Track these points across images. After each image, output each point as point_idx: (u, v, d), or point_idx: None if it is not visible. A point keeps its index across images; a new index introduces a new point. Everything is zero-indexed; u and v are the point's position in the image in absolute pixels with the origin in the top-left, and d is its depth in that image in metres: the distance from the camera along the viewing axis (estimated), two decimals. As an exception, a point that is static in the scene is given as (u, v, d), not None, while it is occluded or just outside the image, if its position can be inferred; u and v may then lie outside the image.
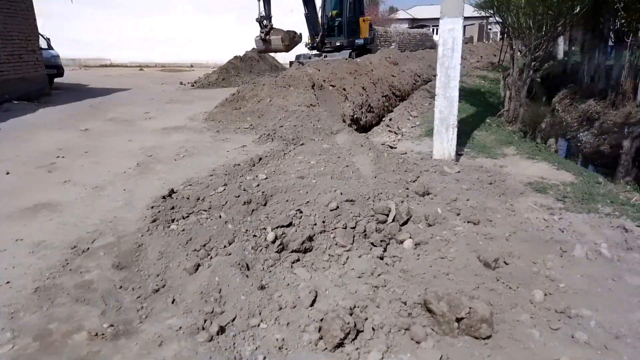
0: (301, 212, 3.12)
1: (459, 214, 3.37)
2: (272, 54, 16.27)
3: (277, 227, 2.99)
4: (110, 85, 14.18)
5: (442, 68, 4.40)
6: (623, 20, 9.08)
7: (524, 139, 6.71)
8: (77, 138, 7.01)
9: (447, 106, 4.49)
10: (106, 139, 6.96)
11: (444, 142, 4.60)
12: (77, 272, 2.80)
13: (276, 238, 2.92)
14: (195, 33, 20.78)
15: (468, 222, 3.28)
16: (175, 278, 2.65)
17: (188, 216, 3.50)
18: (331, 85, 8.77)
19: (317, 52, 15.57)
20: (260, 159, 4.58)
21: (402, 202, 3.44)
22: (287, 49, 13.96)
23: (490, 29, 65.34)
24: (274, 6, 19.25)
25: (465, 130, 6.32)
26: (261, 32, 13.77)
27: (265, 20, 13.79)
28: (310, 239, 2.92)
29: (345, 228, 3.04)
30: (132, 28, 21.34)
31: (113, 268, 2.83)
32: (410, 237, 3.12)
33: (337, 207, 3.17)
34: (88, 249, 3.11)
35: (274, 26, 13.74)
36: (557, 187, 4.20)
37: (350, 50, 14.89)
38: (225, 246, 2.83)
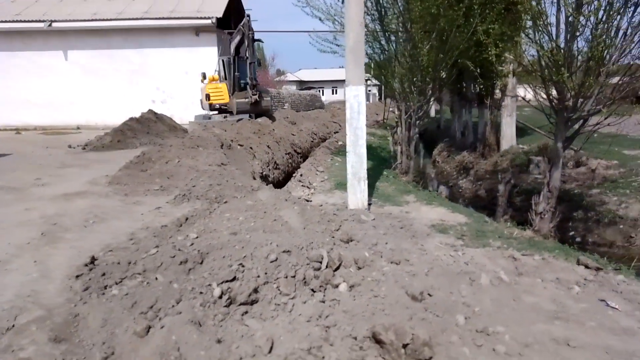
0: (243, 265, 3.27)
1: (382, 256, 3.77)
2: (168, 116, 16.14)
3: (222, 283, 3.10)
4: (-15, 151, 12.84)
5: (350, 128, 4.96)
6: (482, 86, 10.85)
7: (418, 187, 7.57)
8: (-40, 210, 6.29)
9: (357, 161, 5.02)
10: (-3, 209, 6.35)
11: (357, 194, 5.09)
12: (8, 351, 2.61)
13: (222, 293, 3.02)
14: (81, 94, 19.85)
15: (391, 262, 3.69)
16: (125, 344, 2.61)
17: (121, 281, 3.42)
18: (239, 145, 9.06)
19: (216, 113, 15.85)
20: (187, 218, 4.62)
21: (332, 249, 3.76)
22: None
23: (369, 91, 71.83)
24: (171, 70, 19.41)
25: (369, 183, 6.97)
26: (253, 94, 14.71)
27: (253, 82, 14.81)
28: (255, 290, 3.07)
29: (287, 277, 3.25)
30: (3, 89, 19.74)
31: (50, 342, 2.68)
32: (344, 281, 3.42)
33: (277, 258, 3.38)
34: (13, 325, 2.90)
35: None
36: (455, 228, 4.86)
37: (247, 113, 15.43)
38: (173, 305, 2.86)
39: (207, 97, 15.01)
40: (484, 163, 10.82)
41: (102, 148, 13.25)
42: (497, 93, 11.80)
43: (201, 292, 3.01)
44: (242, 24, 15.17)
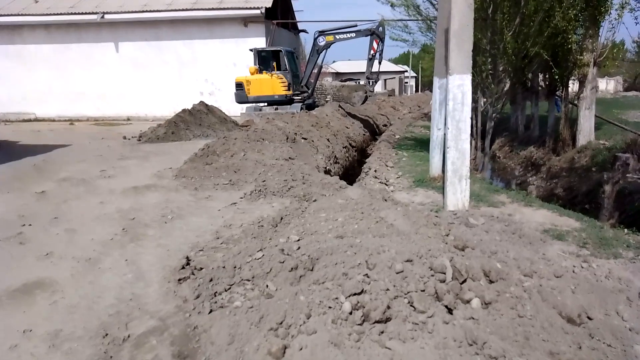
0: (368, 276, 2.93)
1: (517, 268, 3.35)
2: (218, 107, 16.02)
3: (350, 295, 2.76)
4: (45, 142, 13.05)
5: (452, 121, 4.53)
6: (556, 76, 10.12)
7: (501, 186, 7.05)
8: (36, 202, 6.25)
9: (459, 158, 4.59)
10: (71, 202, 6.28)
11: (458, 193, 4.67)
12: (132, 369, 2.36)
13: (353, 308, 2.69)
14: (131, 86, 20.06)
15: (524, 275, 3.27)
16: (259, 365, 2.31)
17: (230, 288, 3.15)
18: (303, 138, 8.75)
19: (265, 105, 15.64)
20: (282, 218, 4.32)
21: (452, 258, 3.37)
22: None
23: (406, 82, 70.43)
24: (219, 61, 19.32)
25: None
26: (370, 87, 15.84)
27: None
28: (388, 306, 2.72)
29: (418, 291, 2.88)
30: (59, 81, 20.18)
31: (174, 358, 2.42)
32: (476, 297, 3.02)
33: (403, 269, 3.01)
34: (129, 336, 2.66)
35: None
36: (571, 234, 4.37)
37: (301, 103, 15.13)
38: (304, 322, 2.54)
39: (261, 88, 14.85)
40: (558, 159, 10.11)
41: (157, 140, 13.25)
42: (571, 84, 11.02)
43: (330, 307, 2.68)
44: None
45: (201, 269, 3.74)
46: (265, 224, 4.21)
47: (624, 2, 8.92)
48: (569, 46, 9.30)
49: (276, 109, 14.83)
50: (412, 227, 3.86)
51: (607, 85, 47.04)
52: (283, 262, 3.27)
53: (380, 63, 14.91)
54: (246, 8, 18.35)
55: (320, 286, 2.86)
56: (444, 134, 6.32)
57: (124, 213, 5.70)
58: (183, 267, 3.70)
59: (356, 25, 14.99)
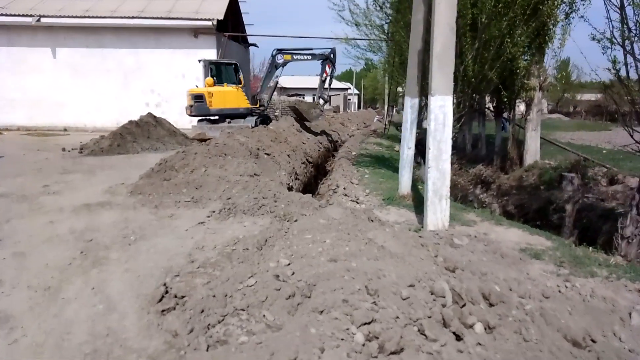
0: (376, 304, 2.80)
1: (510, 289, 3.36)
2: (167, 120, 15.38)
3: (361, 325, 2.62)
4: (-29, 153, 11.86)
5: (434, 141, 4.55)
6: (505, 99, 10.67)
7: (465, 204, 7.21)
8: (-29, 222, 5.57)
9: (439, 178, 4.62)
10: (15, 221, 5.66)
11: (438, 213, 4.68)
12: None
13: (366, 339, 2.54)
14: (69, 95, 18.84)
15: (520, 297, 3.28)
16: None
17: (223, 319, 2.90)
18: (266, 154, 8.54)
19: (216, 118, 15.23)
20: (266, 240, 4.09)
21: (449, 280, 3.32)
22: None
23: (349, 99, 71.89)
24: (167, 72, 18.64)
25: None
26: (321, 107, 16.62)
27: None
28: (401, 336, 2.60)
29: (426, 318, 2.79)
30: (-14, 87, 18.60)
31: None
32: (479, 321, 2.98)
33: (409, 295, 2.92)
34: (117, 382, 2.34)
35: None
36: (547, 253, 4.50)
37: (256, 117, 14.89)
38: (319, 357, 2.36)
39: (209, 100, 14.40)
40: (506, 178, 10.60)
41: (101, 152, 12.45)
42: (517, 106, 11.66)
43: (342, 339, 2.52)
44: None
45: (183, 297, 3.44)
46: (250, 246, 3.97)
47: (565, 32, 9.58)
48: (518, 71, 9.83)
49: (229, 122, 14.49)
50: (403, 248, 3.79)
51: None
52: (279, 290, 3.07)
53: (330, 85, 16.21)
54: (197, 19, 17.93)
55: (326, 316, 2.70)
56: (414, 154, 6.40)
57: (79, 234, 5.20)
58: (162, 297, 3.38)
59: (312, 49, 16.00)
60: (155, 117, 14.86)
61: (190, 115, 14.69)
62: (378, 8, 11.09)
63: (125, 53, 18.62)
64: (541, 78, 9.97)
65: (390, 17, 14.06)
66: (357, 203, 6.35)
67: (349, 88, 76.22)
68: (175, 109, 18.52)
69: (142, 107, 18.38)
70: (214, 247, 4.66)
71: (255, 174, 7.30)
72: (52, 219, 5.74)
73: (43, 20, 17.79)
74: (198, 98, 14.36)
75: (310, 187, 11.51)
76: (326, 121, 23.30)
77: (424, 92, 6.87)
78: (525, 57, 10.07)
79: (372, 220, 4.33)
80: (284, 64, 15.65)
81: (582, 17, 9.22)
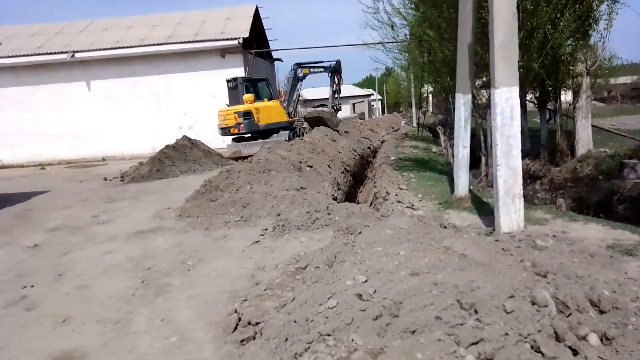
0: (481, 321, 2.52)
1: (623, 294, 3.02)
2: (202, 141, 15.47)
3: (469, 346, 2.35)
4: (20, 189, 12.17)
5: (502, 137, 4.25)
6: (550, 88, 10.18)
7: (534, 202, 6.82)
8: (32, 258, 5.59)
9: (511, 176, 4.30)
10: (72, 254, 5.65)
11: (512, 214, 4.35)
12: None
13: (477, 361, 2.28)
14: (105, 124, 19.31)
15: (631, 300, 2.94)
16: None
17: (309, 346, 2.68)
18: (308, 166, 8.37)
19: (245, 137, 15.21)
20: (335, 256, 3.87)
21: (547, 288, 3.01)
22: None
23: (373, 105, 71.54)
24: (197, 94, 18.87)
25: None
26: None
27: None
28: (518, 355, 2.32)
29: (538, 332, 2.50)
30: (28, 124, 19.24)
31: None
32: (592, 331, 2.66)
33: (514, 308, 2.63)
34: None
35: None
36: (638, 248, 4.11)
37: (288, 131, 14.80)
38: (432, 386, 2.11)
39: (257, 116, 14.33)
40: (558, 170, 10.07)
41: (142, 178, 12.57)
42: (563, 95, 11.14)
43: (451, 363, 2.26)
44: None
45: (257, 323, 3.25)
46: (320, 264, 3.75)
47: (611, 11, 9.08)
48: (562, 58, 9.37)
49: (265, 141, 14.42)
50: (486, 256, 3.50)
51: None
52: (364, 310, 2.84)
53: (339, 94, 18.44)
54: (223, 39, 18.11)
55: (428, 337, 2.44)
56: (469, 152, 6.08)
57: (137, 262, 5.13)
58: (237, 325, 3.19)
59: (322, 62, 17.41)
60: (190, 139, 14.98)
61: (238, 134, 14.40)
62: (411, 6, 10.82)
63: (155, 79, 18.98)
64: (588, 63, 9.47)
65: (414, 17, 13.79)
66: (413, 209, 6.07)
67: (372, 94, 75.99)
68: (207, 130, 18.69)
69: (176, 130, 18.64)
70: (275, 267, 4.48)
71: (301, 188, 7.13)
72: (108, 249, 5.71)
73: (77, 55, 18.35)
74: (246, 115, 14.09)
75: (350, 196, 11.29)
76: (356, 129, 23.10)
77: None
78: (569, 43, 9.57)
79: (445, 227, 4.05)
80: (304, 77, 16.51)
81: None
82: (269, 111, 14.68)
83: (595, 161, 9.33)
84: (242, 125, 14.03)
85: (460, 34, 5.68)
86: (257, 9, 21.55)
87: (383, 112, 76.01)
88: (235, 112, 14.09)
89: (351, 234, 4.37)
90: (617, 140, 11.22)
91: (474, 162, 9.17)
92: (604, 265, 3.71)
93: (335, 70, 17.49)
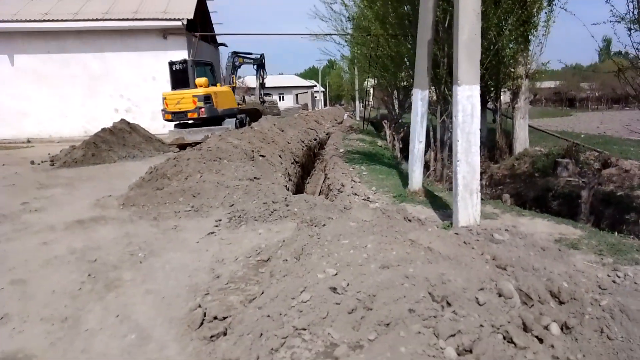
0: (456, 313, 2.56)
1: (576, 285, 3.20)
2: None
3: (448, 338, 2.38)
4: None
5: (462, 134, 4.37)
6: (492, 88, 10.68)
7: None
8: (-48, 248, 5.00)
9: (469, 171, 4.43)
10: (1, 245, 5.12)
11: (469, 208, 4.49)
12: None
13: (458, 354, 2.31)
14: (31, 104, 17.77)
15: (586, 291, 3.13)
16: None
17: (284, 341, 2.60)
18: (261, 156, 8.19)
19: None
20: (303, 247, 3.78)
21: (510, 280, 3.14)
22: None
23: (316, 97, 71.79)
24: (136, 75, 17.85)
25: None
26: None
27: None
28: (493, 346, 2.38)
29: (509, 323, 2.58)
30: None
31: None
32: (553, 321, 2.80)
33: (486, 300, 2.70)
34: None
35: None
36: (582, 242, 4.41)
37: (235, 120, 14.42)
38: (419, 381, 2.11)
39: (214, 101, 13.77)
40: (497, 167, 10.62)
41: (75, 163, 11.72)
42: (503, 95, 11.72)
43: (433, 356, 2.27)
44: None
45: (224, 318, 3.12)
46: (288, 257, 3.65)
47: (549, 19, 9.65)
48: (504, 60, 9.84)
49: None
50: (451, 249, 3.58)
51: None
52: (339, 304, 2.80)
53: (264, 87, 20.14)
54: (166, 19, 17.26)
55: (408, 330, 2.44)
56: (424, 147, 6.21)
57: (80, 254, 4.74)
58: (203, 320, 3.04)
59: (252, 54, 17.91)
60: (129, 123, 14.19)
61: (197, 119, 13.67)
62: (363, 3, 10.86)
63: (90, 57, 17.72)
64: (528, 66, 10.03)
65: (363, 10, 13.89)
66: (369, 202, 6.12)
67: (315, 86, 76.15)
68: (146, 114, 17.81)
69: (111, 113, 17.58)
70: (235, 260, 4.33)
71: (255, 178, 6.96)
72: (45, 239, 5.24)
73: (-2, 25, 16.69)
74: (207, 99, 13.41)
75: (298, 187, 11.23)
76: (302, 119, 23.00)
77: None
78: (510, 45, 10.06)
79: (409, 220, 4.10)
80: (239, 65, 16.92)
81: (562, 7, 9.32)
82: (225, 97, 14.28)
83: (532, 159, 9.93)
84: (202, 109, 13.33)
85: (420, 31, 5.78)
86: (202, -10, 20.73)
87: (325, 104, 76.48)
88: (194, 96, 13.35)
89: (315, 226, 4.30)
90: (549, 140, 12.02)
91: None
92: (555, 259, 3.93)
93: (260, 64, 18.32)
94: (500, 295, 2.95)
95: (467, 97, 4.31)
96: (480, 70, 8.58)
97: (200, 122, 14.00)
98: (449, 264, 3.32)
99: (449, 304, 2.77)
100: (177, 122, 14.11)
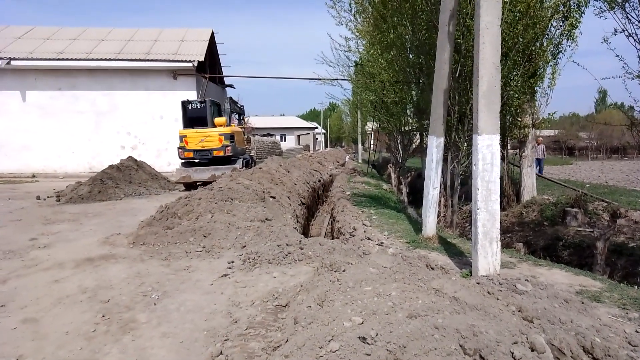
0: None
1: (607, 340, 3.12)
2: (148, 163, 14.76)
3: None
4: None
5: (482, 182, 4.39)
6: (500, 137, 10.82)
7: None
8: (-37, 285, 4.90)
9: (489, 220, 4.43)
10: (12, 282, 5.03)
11: (489, 257, 4.46)
12: None
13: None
14: (37, 138, 17.92)
15: (620, 347, 3.05)
16: None
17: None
18: (271, 197, 8.18)
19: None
20: (326, 293, 3.71)
21: (539, 333, 3.07)
22: None
23: (317, 139, 72.74)
24: (144, 114, 18.11)
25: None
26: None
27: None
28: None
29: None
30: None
31: None
32: (589, 379, 2.73)
33: (522, 355, 2.63)
34: None
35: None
36: (604, 295, 4.34)
37: (242, 159, 14.52)
38: None
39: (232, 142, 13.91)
40: (505, 214, 10.61)
41: (81, 200, 11.70)
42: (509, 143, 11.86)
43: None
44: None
45: (244, 366, 3.02)
46: (312, 303, 3.58)
47: (554, 71, 9.93)
48: (511, 110, 10.04)
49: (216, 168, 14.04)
50: (477, 299, 3.52)
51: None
52: (370, 355, 2.72)
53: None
54: (177, 61, 17.70)
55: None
56: (438, 194, 6.23)
57: (92, 293, 4.65)
58: (228, 368, 2.94)
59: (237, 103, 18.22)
60: (136, 160, 14.28)
61: (230, 155, 13.94)
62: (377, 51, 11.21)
63: (99, 95, 18.03)
64: (534, 116, 10.23)
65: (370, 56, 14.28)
66: (382, 246, 6.07)
67: (317, 127, 77.32)
68: (152, 151, 17.97)
69: (117, 149, 17.77)
70: (252, 304, 4.25)
71: (267, 219, 6.93)
72: (55, 277, 5.15)
73: (13, 63, 17.09)
74: (232, 138, 13.74)
75: (304, 228, 11.17)
76: (306, 160, 23.20)
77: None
78: (517, 96, 10.30)
79: (432, 268, 4.05)
80: (233, 110, 16.89)
81: (569, 58, 9.63)
82: (240, 136, 14.59)
83: (540, 207, 9.94)
84: (229, 147, 13.56)
85: (436, 80, 5.93)
86: (212, 34, 21.39)
87: (326, 146, 77.43)
88: (221, 134, 13.56)
89: (335, 271, 4.24)
90: (554, 188, 12.07)
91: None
92: (580, 311, 3.86)
93: (241, 112, 18.65)
94: (532, 350, 2.88)
95: (487, 146, 4.37)
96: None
97: (206, 162, 14.07)
98: (476, 315, 3.26)
99: (482, 358, 2.70)
100: (184, 161, 14.15)
